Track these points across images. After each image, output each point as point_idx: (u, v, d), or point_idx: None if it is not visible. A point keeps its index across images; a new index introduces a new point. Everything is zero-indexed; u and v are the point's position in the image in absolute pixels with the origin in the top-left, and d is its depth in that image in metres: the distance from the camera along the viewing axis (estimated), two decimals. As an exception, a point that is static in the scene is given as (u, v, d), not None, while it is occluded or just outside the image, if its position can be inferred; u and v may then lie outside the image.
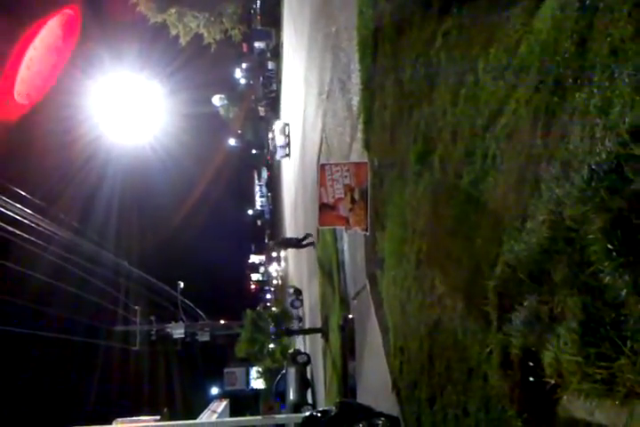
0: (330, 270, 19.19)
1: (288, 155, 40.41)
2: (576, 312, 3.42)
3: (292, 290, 34.26)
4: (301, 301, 31.85)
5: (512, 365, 4.27)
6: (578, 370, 3.33)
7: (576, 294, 3.49)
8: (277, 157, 43.89)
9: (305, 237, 24.93)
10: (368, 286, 11.98)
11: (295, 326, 30.68)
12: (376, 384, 11.20)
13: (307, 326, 30.23)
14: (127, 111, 38.09)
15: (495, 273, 4.84)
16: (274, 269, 70.72)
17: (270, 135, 47.08)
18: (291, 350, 28.60)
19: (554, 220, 3.86)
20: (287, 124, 39.78)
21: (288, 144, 39.52)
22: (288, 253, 53.08)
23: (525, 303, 4.06)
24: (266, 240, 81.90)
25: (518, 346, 4.10)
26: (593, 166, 3.51)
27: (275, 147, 42.34)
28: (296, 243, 26.42)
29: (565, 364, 3.43)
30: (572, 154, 4.03)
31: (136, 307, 39.13)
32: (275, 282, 71.01)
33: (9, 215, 23.63)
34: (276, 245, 50.11)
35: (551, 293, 3.80)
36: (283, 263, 61.27)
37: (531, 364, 3.93)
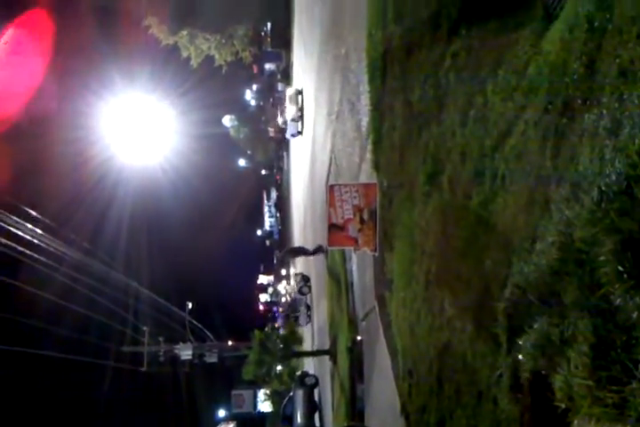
0: (338, 291, 19.12)
1: (300, 132, 34.26)
2: (587, 335, 3.38)
3: (299, 277, 34.11)
4: (309, 287, 31.48)
5: (522, 388, 4.22)
6: (589, 394, 3.28)
7: (587, 317, 3.45)
8: (288, 135, 37.83)
9: (316, 249, 24.79)
10: (377, 308, 11.91)
11: (304, 315, 30.30)
12: (384, 408, 11.08)
13: (315, 337, 30.02)
14: (138, 132, 38.45)
15: (505, 295, 4.80)
16: (282, 286, 70.59)
17: (279, 110, 41.57)
18: (298, 372, 28.36)
19: (564, 241, 3.83)
20: (300, 92, 33.37)
21: (301, 117, 33.46)
22: (297, 269, 52.80)
23: (535, 326, 4.01)
24: (274, 261, 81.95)
25: (528, 369, 4.05)
26: (603, 188, 3.49)
27: (285, 122, 36.55)
28: (305, 252, 26.37)
29: (576, 387, 3.38)
30: (581, 175, 4.02)
31: (144, 328, 38.99)
32: (283, 300, 70.88)
33: (20, 235, 23.74)
34: (285, 253, 49.60)
35: (561, 315, 3.76)
36: (292, 282, 61.10)
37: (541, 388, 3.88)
